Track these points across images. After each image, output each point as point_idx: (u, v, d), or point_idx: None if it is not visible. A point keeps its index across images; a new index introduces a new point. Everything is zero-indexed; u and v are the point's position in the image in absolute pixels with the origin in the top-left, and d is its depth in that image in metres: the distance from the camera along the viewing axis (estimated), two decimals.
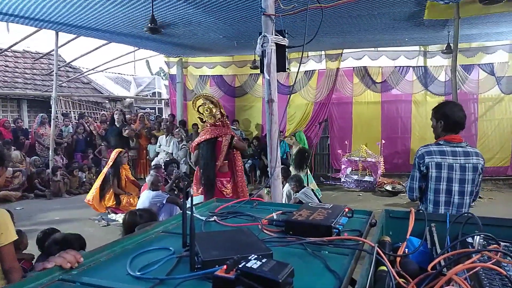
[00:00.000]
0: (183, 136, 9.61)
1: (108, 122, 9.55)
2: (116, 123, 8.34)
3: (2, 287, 0.90)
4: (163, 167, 7.48)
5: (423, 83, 9.37)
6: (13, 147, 8.81)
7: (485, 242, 1.25)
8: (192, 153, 4.84)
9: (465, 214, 1.45)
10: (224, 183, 4.60)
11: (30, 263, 3.36)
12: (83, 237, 3.08)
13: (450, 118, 2.63)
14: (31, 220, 6.38)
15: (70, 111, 12.09)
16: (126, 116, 10.67)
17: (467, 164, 2.55)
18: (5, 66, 11.88)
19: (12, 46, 10.41)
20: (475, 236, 1.25)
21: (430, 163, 2.59)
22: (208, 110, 4.58)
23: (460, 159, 2.56)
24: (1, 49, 11.41)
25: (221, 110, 4.68)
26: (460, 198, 2.58)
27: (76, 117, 11.83)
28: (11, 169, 8.20)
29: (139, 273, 1.06)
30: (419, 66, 9.40)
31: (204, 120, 4.70)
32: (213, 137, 4.52)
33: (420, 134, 9.29)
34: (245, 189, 4.80)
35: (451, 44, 6.58)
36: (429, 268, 1.14)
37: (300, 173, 6.58)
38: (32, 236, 3.60)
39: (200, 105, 4.66)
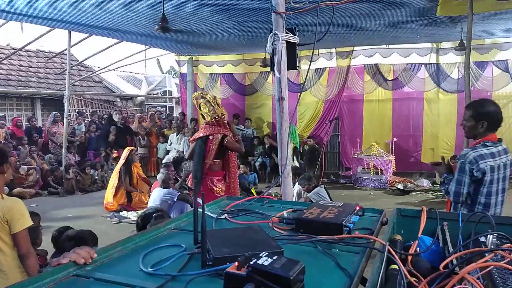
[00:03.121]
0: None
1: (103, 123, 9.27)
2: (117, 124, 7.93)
3: (20, 281, 0.92)
4: (173, 165, 7.51)
5: (435, 81, 9.25)
6: (26, 145, 8.97)
7: (499, 241, 1.23)
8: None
9: (478, 213, 1.43)
10: (215, 182, 4.51)
11: (45, 259, 3.42)
12: (94, 233, 3.13)
13: (495, 118, 2.53)
14: (45, 217, 6.43)
15: (82, 110, 12.24)
16: (137, 114, 10.69)
17: (507, 162, 2.56)
18: (19, 66, 12.07)
19: (25, 45, 10.56)
20: (488, 235, 1.23)
21: (485, 167, 2.45)
22: (205, 107, 4.50)
23: (502, 158, 2.54)
24: (15, 49, 11.61)
25: (220, 108, 4.56)
26: (503, 196, 2.59)
27: (88, 115, 11.96)
28: (25, 166, 8.34)
29: (151, 269, 1.07)
30: (431, 63, 9.27)
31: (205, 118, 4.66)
32: (205, 135, 4.50)
33: (432, 132, 9.15)
34: (236, 191, 4.71)
35: (464, 41, 6.46)
36: (441, 267, 1.14)
37: (310, 172, 6.55)
38: (45, 233, 3.65)
39: (200, 104, 4.59)
